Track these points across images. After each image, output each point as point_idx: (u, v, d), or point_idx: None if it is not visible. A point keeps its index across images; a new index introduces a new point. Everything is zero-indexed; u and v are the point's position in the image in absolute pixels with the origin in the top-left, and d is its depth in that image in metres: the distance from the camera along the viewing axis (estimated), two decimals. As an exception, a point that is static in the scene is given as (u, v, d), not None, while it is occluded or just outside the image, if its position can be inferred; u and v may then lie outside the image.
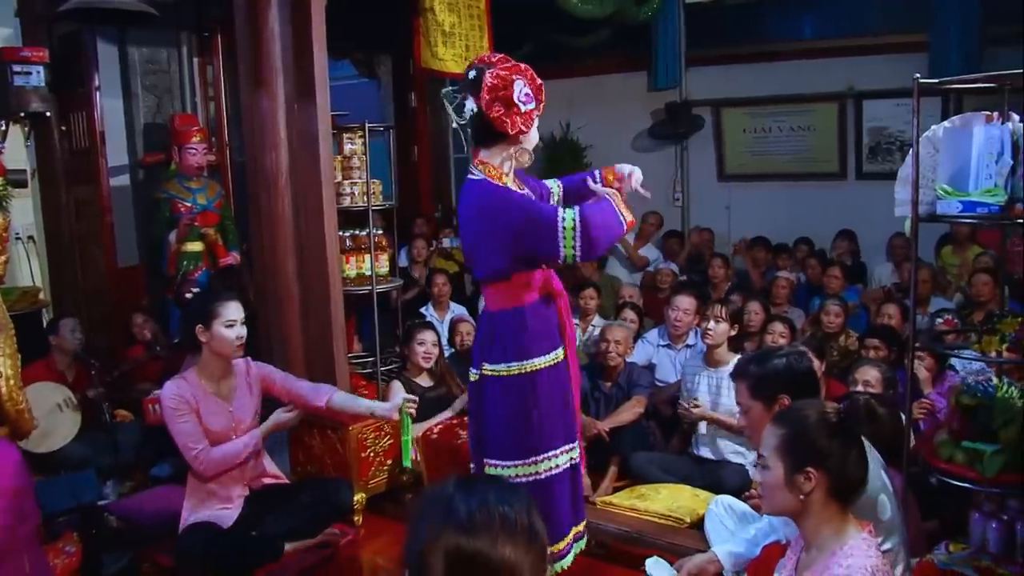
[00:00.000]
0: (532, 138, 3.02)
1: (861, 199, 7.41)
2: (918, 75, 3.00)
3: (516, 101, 2.86)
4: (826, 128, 8.09)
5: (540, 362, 3.02)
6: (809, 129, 8.20)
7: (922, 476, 3.09)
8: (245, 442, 3.42)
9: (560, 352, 3.07)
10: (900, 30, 7.38)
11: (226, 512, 3.40)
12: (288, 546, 3.46)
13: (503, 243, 2.90)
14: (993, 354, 2.90)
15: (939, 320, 4.77)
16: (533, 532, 1.37)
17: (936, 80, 3.25)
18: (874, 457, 2.70)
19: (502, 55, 3.02)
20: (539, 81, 2.95)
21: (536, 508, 1.42)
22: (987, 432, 2.78)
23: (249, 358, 3.63)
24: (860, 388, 3.83)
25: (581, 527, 3.23)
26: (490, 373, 3.05)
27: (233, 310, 3.39)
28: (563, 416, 3.08)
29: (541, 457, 3.04)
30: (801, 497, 2.10)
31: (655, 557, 3.05)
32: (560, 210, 2.85)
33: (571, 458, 3.13)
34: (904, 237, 6.03)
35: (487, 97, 2.87)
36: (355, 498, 3.78)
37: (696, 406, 4.36)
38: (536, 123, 3.00)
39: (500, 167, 2.99)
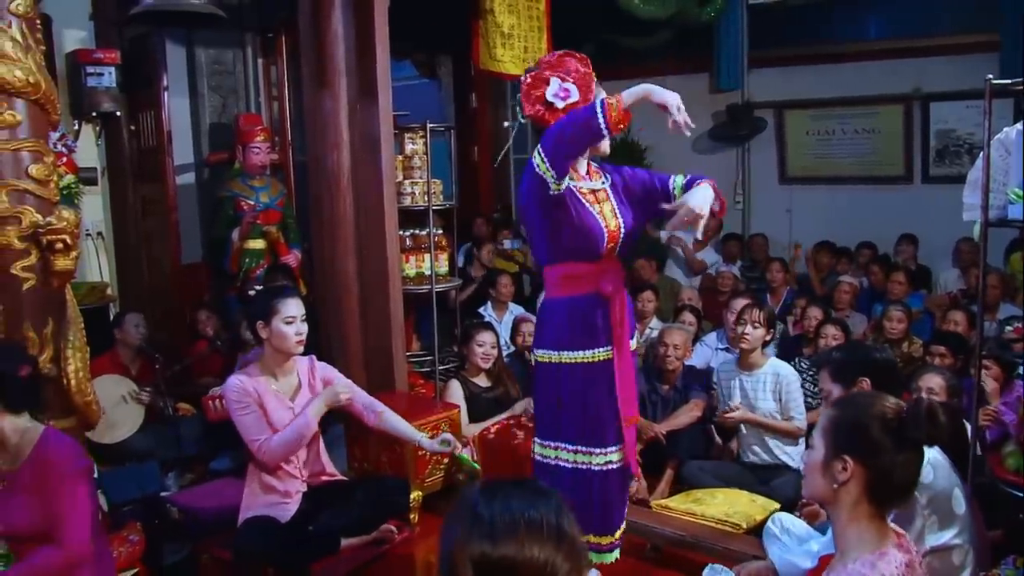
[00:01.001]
0: None
1: (927, 203, 7.27)
2: (990, 76, 2.93)
3: (550, 99, 2.94)
4: (891, 131, 7.94)
5: (572, 356, 3.02)
6: (874, 131, 8.05)
7: (988, 485, 3.02)
8: (298, 424, 3.39)
9: (600, 353, 3.02)
10: (969, 30, 7.21)
11: (284, 507, 3.43)
12: (344, 542, 3.50)
13: (535, 212, 2.98)
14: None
15: (1008, 328, 4.65)
16: (561, 531, 1.35)
17: (1009, 81, 3.17)
18: (941, 453, 2.68)
19: (560, 52, 3.05)
20: (583, 70, 2.97)
21: (566, 507, 1.40)
22: (1057, 443, 2.71)
23: (314, 357, 3.67)
24: (924, 396, 3.75)
25: (605, 541, 3.14)
26: (537, 358, 3.12)
27: (293, 307, 3.42)
28: (594, 417, 3.04)
29: (561, 446, 3.08)
30: (835, 486, 1.96)
31: (712, 565, 3.00)
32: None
33: (606, 462, 3.07)
34: (972, 242, 5.90)
35: (524, 99, 2.99)
36: (411, 496, 3.81)
37: (734, 409, 4.36)
38: None
39: None
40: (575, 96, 2.95)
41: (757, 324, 4.42)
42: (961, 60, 7.10)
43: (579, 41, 7.81)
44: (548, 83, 2.94)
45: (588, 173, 3.10)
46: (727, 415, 4.39)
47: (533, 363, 3.19)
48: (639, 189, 3.18)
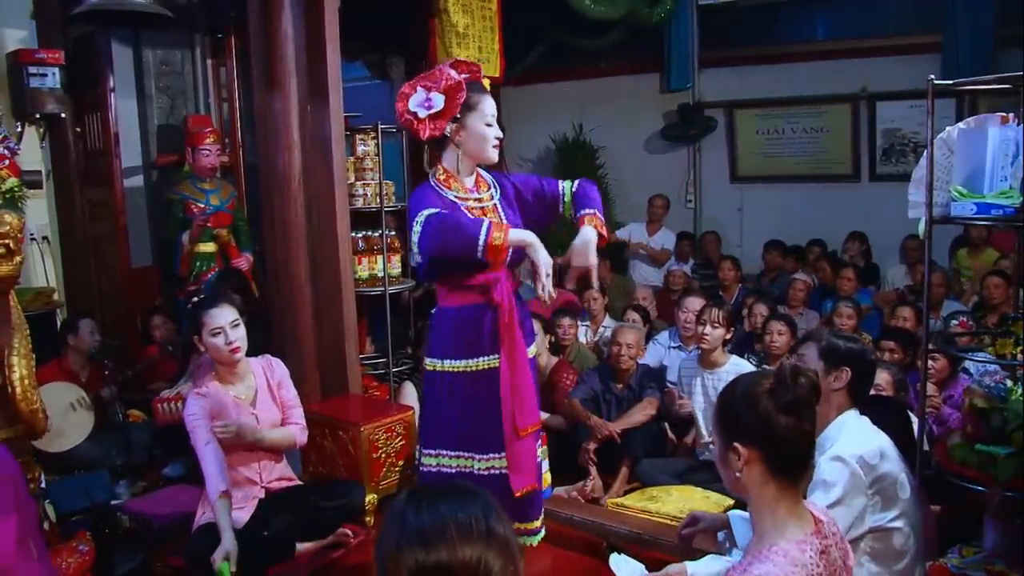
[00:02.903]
0: (476, 135, 2.99)
1: (874, 201, 7.39)
2: (932, 76, 2.99)
3: (413, 108, 2.94)
4: (839, 130, 8.07)
5: (455, 365, 3.05)
6: (822, 131, 8.17)
7: (935, 477, 3.08)
8: (215, 505, 3.20)
9: (484, 362, 3.04)
10: (914, 31, 7.36)
11: (239, 513, 3.39)
12: (300, 546, 3.46)
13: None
14: (1008, 357, 2.88)
15: (954, 322, 4.75)
16: (491, 529, 1.36)
17: (951, 81, 3.24)
18: (885, 436, 2.74)
19: (449, 62, 3.05)
20: (453, 80, 2.93)
21: (495, 505, 1.41)
22: (1001, 435, 2.77)
23: (268, 356, 3.66)
24: (871, 392, 3.81)
25: None
26: (425, 366, 3.16)
27: (217, 317, 3.36)
28: (476, 424, 3.06)
29: (442, 453, 3.11)
30: (737, 475, 1.95)
31: (616, 555, 2.91)
32: (431, 209, 2.86)
33: (487, 467, 3.09)
34: (918, 239, 6.02)
35: (397, 107, 3.00)
36: (367, 499, 3.79)
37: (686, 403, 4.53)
38: (474, 121, 2.97)
39: (450, 168, 3.04)
40: (439, 105, 2.92)
41: (716, 324, 4.48)
42: (906, 60, 7.23)
43: (531, 41, 7.86)
44: (415, 94, 2.95)
45: (476, 185, 3.10)
46: (681, 403, 4.50)
47: (423, 371, 3.23)
48: (531, 196, 3.20)
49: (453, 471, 3.09)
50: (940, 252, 6.57)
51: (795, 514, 1.94)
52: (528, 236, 2.85)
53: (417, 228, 2.84)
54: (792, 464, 1.94)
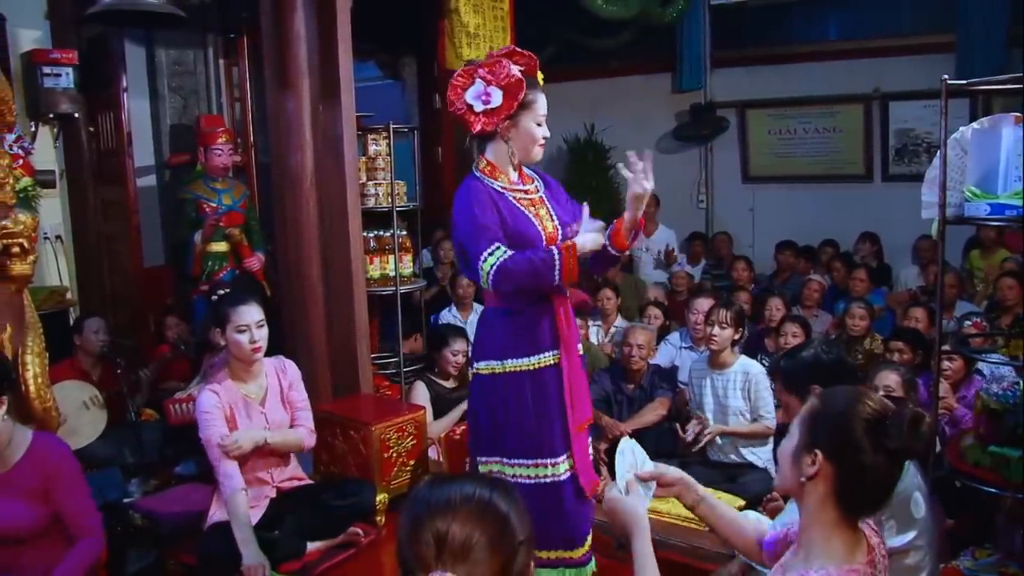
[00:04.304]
0: (526, 133, 2.93)
1: (887, 201, 7.37)
2: (946, 76, 2.98)
3: (469, 101, 2.87)
4: (852, 130, 8.04)
5: (516, 364, 2.95)
6: (835, 131, 8.15)
7: (947, 479, 3.06)
8: (234, 512, 3.26)
9: (546, 358, 2.95)
10: (927, 31, 7.34)
11: (251, 512, 3.41)
12: (311, 546, 3.47)
13: (455, 239, 2.96)
14: (1021, 358, 2.87)
15: (967, 323, 4.73)
16: (492, 510, 1.39)
17: (965, 81, 3.22)
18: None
19: (507, 50, 2.99)
20: (514, 78, 2.84)
21: (515, 496, 1.43)
22: (1014, 436, 2.75)
23: (282, 357, 3.66)
24: (880, 393, 3.79)
25: (577, 554, 3.12)
26: (479, 371, 3.05)
27: (245, 315, 3.37)
28: (543, 425, 2.97)
29: (516, 462, 3.01)
30: (802, 479, 1.82)
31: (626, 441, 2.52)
32: (492, 247, 2.78)
33: (564, 471, 3.01)
34: (931, 239, 5.99)
35: (451, 92, 2.91)
36: (378, 498, 3.79)
37: (704, 427, 4.42)
38: (527, 120, 2.91)
39: (497, 163, 2.98)
40: (497, 101, 2.85)
41: (724, 324, 4.46)
42: (919, 60, 7.21)
43: (543, 41, 7.85)
44: (473, 82, 2.87)
45: (520, 178, 3.04)
46: (702, 435, 4.44)
47: (472, 376, 3.12)
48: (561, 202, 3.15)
49: (531, 482, 2.98)
50: (953, 253, 6.54)
51: (852, 540, 1.82)
52: (594, 239, 2.86)
53: (486, 268, 2.77)
54: (861, 503, 1.82)
